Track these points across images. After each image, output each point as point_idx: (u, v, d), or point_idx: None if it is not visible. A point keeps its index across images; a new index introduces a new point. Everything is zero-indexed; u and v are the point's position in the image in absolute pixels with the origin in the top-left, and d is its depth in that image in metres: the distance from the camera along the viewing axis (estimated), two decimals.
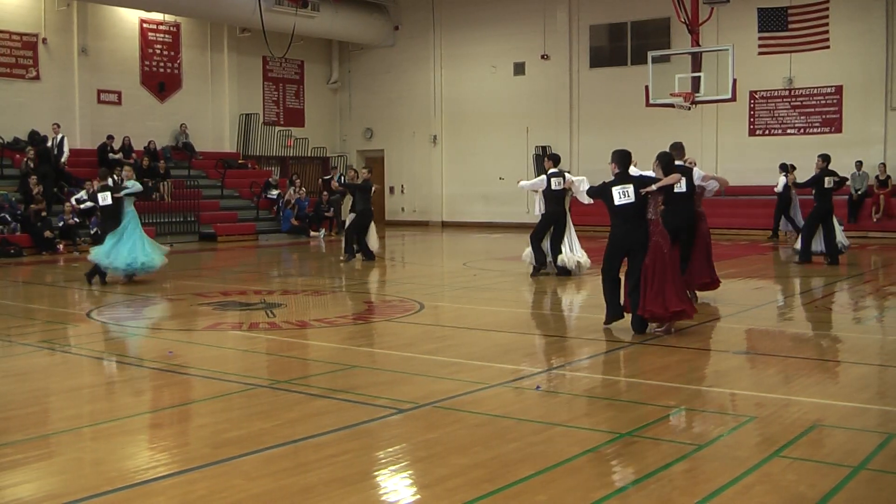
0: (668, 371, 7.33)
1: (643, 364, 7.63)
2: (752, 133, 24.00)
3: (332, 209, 24.92)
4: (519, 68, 27.61)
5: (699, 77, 18.19)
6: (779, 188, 20.04)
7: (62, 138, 21.22)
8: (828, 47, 22.14)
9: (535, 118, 27.00)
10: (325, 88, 30.72)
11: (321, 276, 15.01)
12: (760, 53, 22.79)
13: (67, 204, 19.62)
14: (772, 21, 22.52)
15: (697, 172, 10.96)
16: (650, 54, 19.70)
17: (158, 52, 25.63)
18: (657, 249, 8.52)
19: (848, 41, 22.28)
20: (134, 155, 23.42)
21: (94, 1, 23.30)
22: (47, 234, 18.81)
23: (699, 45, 19.09)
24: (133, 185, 13.39)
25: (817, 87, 23.10)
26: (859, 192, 21.90)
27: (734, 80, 17.78)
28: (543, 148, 26.55)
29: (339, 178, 22.85)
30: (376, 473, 4.81)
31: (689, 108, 19.08)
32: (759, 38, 22.75)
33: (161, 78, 25.67)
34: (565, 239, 13.68)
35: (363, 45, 29.88)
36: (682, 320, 8.71)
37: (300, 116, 29.85)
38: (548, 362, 7.92)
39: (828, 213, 14.80)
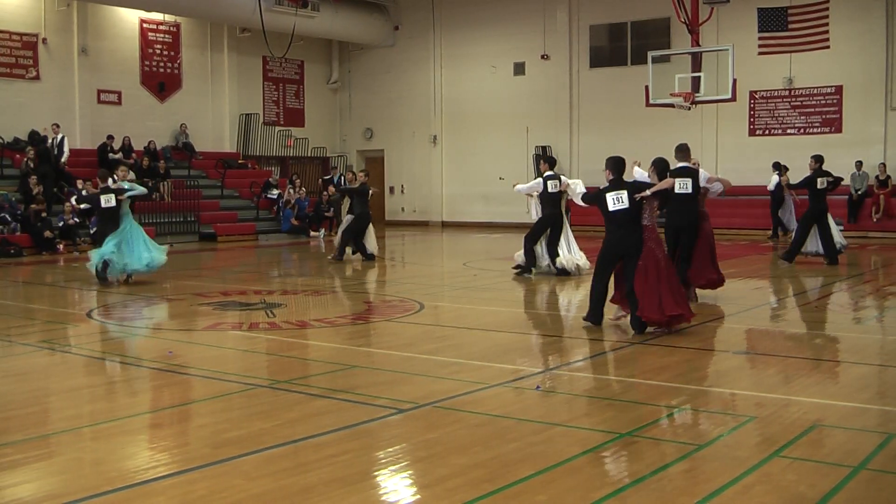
0: (668, 371, 7.34)
1: (643, 364, 7.62)
2: (752, 133, 24.01)
3: (332, 209, 24.92)
4: (519, 68, 27.61)
5: (699, 77, 18.18)
6: (770, 187, 20.05)
7: (62, 138, 21.22)
8: (828, 47, 22.15)
9: (535, 118, 27.01)
10: (325, 88, 30.72)
11: (321, 276, 15.01)
12: (760, 53, 22.79)
13: (67, 204, 19.62)
14: (772, 21, 22.52)
15: (703, 174, 11.10)
16: (650, 54, 19.70)
17: (158, 52, 25.64)
18: (651, 256, 8.62)
19: (848, 41, 22.29)
20: (134, 155, 23.43)
21: (94, 1, 23.30)
22: (47, 234, 18.81)
23: (699, 45, 19.08)
24: (138, 189, 13.63)
25: (817, 87, 23.11)
26: (859, 192, 21.91)
27: (734, 80, 17.78)
28: (543, 148, 26.57)
29: (339, 178, 22.85)
30: (376, 473, 4.81)
31: (689, 108, 19.08)
32: (759, 38, 22.75)
33: (161, 78, 25.67)
34: (563, 241, 13.72)
35: (363, 45, 29.88)
36: (680, 324, 8.75)
37: (300, 116, 29.85)
38: (548, 362, 7.92)
39: (822, 214, 14.82)
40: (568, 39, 26.50)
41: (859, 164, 21.99)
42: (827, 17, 22.09)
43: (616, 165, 8.86)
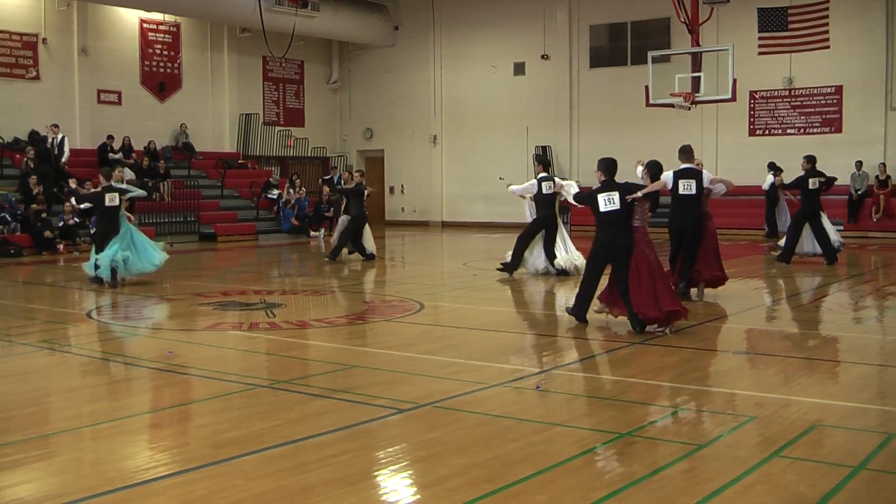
0: (668, 371, 7.34)
1: (643, 364, 7.62)
2: (752, 133, 24.02)
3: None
4: (519, 68, 27.62)
5: (699, 77, 18.19)
6: (765, 187, 20.08)
7: (62, 138, 21.21)
8: (828, 47, 22.15)
9: (535, 118, 27.01)
10: (325, 88, 30.72)
11: (321, 276, 15.00)
12: (760, 53, 22.80)
13: (67, 204, 19.61)
14: (772, 21, 22.53)
15: (706, 175, 11.23)
16: (650, 54, 19.70)
17: (158, 52, 25.64)
18: (642, 257, 8.71)
19: (848, 41, 22.29)
20: (134, 155, 23.44)
21: (94, 1, 23.30)
22: (47, 234, 18.80)
23: (699, 45, 19.09)
24: (136, 190, 13.63)
25: (817, 87, 23.11)
26: (859, 192, 21.91)
27: (734, 80, 17.78)
28: (543, 148, 26.57)
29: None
30: (376, 473, 4.81)
31: (689, 108, 19.10)
32: (759, 38, 22.76)
33: (161, 78, 25.67)
34: (559, 241, 13.75)
35: (363, 45, 29.88)
36: (677, 320, 8.77)
37: (300, 116, 29.85)
38: (548, 362, 7.92)
39: (814, 214, 14.86)
40: (568, 39, 26.51)
41: (859, 164, 21.99)
42: (827, 17, 22.10)
43: (608, 166, 8.95)
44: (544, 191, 13.59)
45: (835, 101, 22.89)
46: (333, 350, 8.39)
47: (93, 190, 13.53)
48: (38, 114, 22.23)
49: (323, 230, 24.14)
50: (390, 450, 5.18)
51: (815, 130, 23.14)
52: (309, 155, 29.31)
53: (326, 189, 19.58)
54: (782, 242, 15.56)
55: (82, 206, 18.77)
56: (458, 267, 16.26)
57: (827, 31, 22.11)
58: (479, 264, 16.11)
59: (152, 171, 22.99)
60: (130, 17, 24.83)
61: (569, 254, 13.68)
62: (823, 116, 23.08)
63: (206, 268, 17.39)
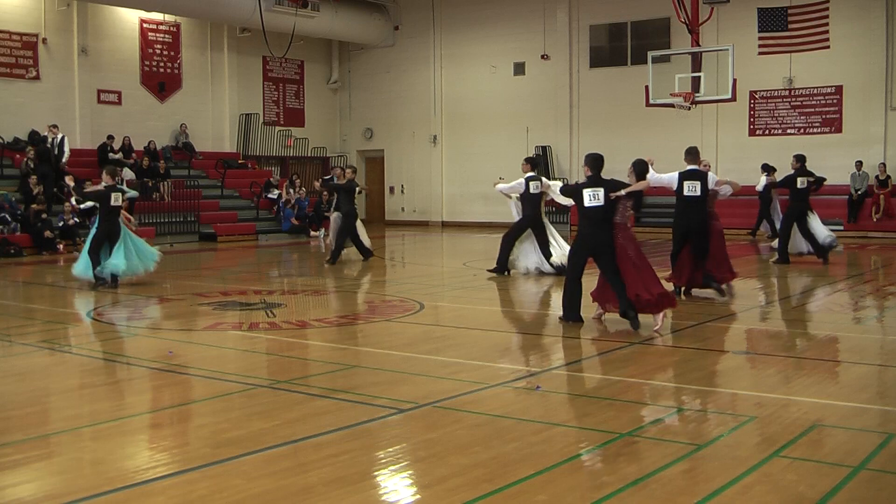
0: (668, 371, 7.34)
1: (643, 364, 7.63)
2: (752, 133, 24.02)
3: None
4: (519, 68, 27.62)
5: (699, 77, 18.21)
6: (759, 188, 20.12)
7: (62, 138, 21.20)
8: (828, 47, 22.17)
9: (535, 118, 27.01)
10: (325, 88, 30.73)
11: (321, 276, 15.00)
12: (760, 53, 22.81)
13: (67, 204, 19.62)
14: (772, 21, 22.54)
15: (711, 177, 11.31)
16: (650, 54, 19.72)
17: (158, 52, 25.64)
18: (622, 251, 8.90)
19: (848, 41, 22.31)
20: (134, 155, 23.45)
21: (94, 1, 23.31)
22: (47, 234, 18.80)
23: (699, 45, 19.11)
24: (130, 191, 13.55)
25: (817, 87, 23.12)
26: (859, 192, 21.93)
27: (734, 80, 17.80)
28: (543, 148, 26.59)
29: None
30: (376, 473, 4.81)
31: (689, 108, 19.11)
32: (759, 38, 22.77)
33: (161, 78, 25.68)
34: (550, 239, 13.78)
35: (363, 45, 29.89)
36: (670, 306, 8.95)
37: (300, 116, 29.86)
38: (548, 362, 7.92)
39: (801, 214, 14.91)
40: (568, 39, 26.51)
41: (859, 164, 22.01)
42: (827, 17, 22.12)
43: (595, 162, 9.10)
44: (531, 190, 13.67)
45: (835, 101, 22.90)
46: (333, 350, 8.39)
47: (95, 188, 13.23)
48: (38, 114, 22.23)
49: (323, 230, 24.13)
50: (390, 450, 5.18)
51: (815, 130, 23.16)
52: (309, 155, 29.32)
53: (317, 183, 19.52)
54: (775, 244, 15.61)
55: (82, 206, 18.77)
56: (458, 267, 16.27)
57: (827, 31, 22.12)
58: (478, 264, 16.10)
59: (152, 171, 22.99)
60: (130, 17, 24.83)
61: (562, 249, 13.73)
62: (823, 116, 23.09)
63: (206, 268, 17.39)
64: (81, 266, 12.86)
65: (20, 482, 4.65)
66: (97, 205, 13.23)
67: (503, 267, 13.86)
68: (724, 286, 11.08)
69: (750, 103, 23.68)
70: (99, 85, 24.17)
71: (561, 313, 9.37)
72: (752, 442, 5.21)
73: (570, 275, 9.27)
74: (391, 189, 30.51)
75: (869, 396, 6.40)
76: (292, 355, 8.22)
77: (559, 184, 14.01)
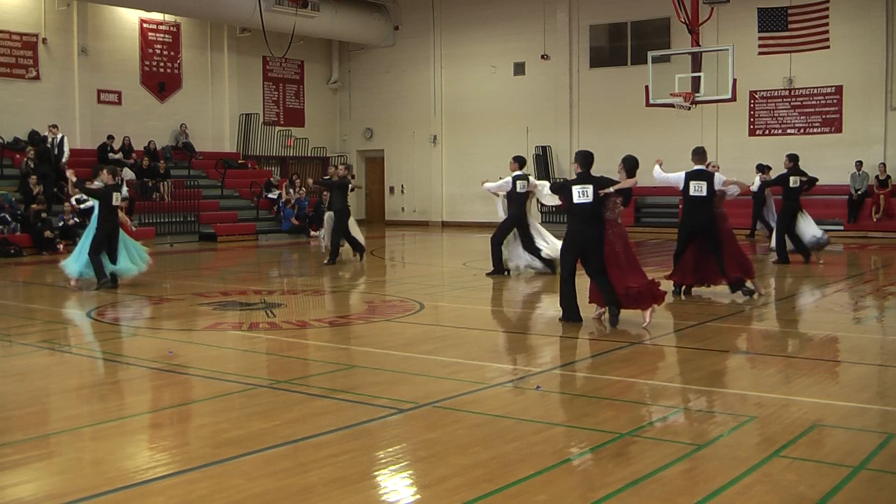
0: (668, 371, 7.34)
1: (643, 364, 7.63)
2: (752, 133, 24.02)
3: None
4: (519, 68, 27.62)
5: (699, 77, 18.22)
6: (754, 188, 20.13)
7: (62, 138, 21.21)
8: (828, 47, 22.17)
9: (535, 118, 27.01)
10: (325, 88, 30.73)
11: (321, 276, 15.00)
12: (760, 53, 22.81)
13: (67, 204, 19.62)
14: (772, 21, 22.54)
15: (718, 177, 11.33)
16: (650, 54, 19.73)
17: (158, 52, 25.64)
18: (610, 247, 9.02)
19: (848, 41, 22.31)
20: (134, 155, 23.45)
21: (94, 1, 23.30)
22: (47, 234, 18.80)
23: (699, 45, 19.11)
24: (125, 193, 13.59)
25: (817, 87, 23.12)
26: (859, 192, 21.93)
27: (734, 80, 17.81)
28: (543, 148, 26.59)
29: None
30: (376, 473, 4.81)
31: (689, 108, 19.12)
32: (759, 38, 22.77)
33: (161, 78, 25.68)
34: (535, 235, 13.77)
35: (363, 45, 29.89)
36: (658, 299, 9.04)
37: (300, 116, 29.86)
38: (547, 362, 7.92)
39: (793, 213, 14.96)
40: (568, 39, 26.51)
41: (859, 164, 22.01)
42: (827, 17, 22.12)
43: (584, 159, 9.18)
44: (518, 189, 13.70)
45: (835, 101, 22.89)
46: (333, 350, 8.39)
47: (97, 185, 13.05)
48: (38, 114, 22.23)
49: (323, 230, 24.11)
50: (390, 450, 5.18)
51: (815, 130, 23.15)
52: (309, 155, 29.31)
53: (310, 181, 19.50)
54: (773, 244, 15.64)
55: (82, 206, 18.74)
56: (458, 267, 16.27)
57: (827, 31, 22.12)
58: (478, 264, 16.10)
59: (152, 171, 22.99)
60: (130, 17, 24.83)
61: (550, 243, 13.74)
62: (823, 116, 23.09)
63: (206, 268, 17.39)
64: (77, 265, 12.64)
65: (20, 482, 4.65)
66: (94, 204, 13.10)
67: (500, 268, 13.85)
68: (748, 284, 11.11)
69: (750, 103, 23.68)
70: (99, 85, 24.17)
71: (560, 314, 9.37)
72: (752, 442, 5.21)
73: (563, 274, 9.31)
74: (391, 189, 30.50)
75: (869, 396, 6.40)
76: (292, 355, 8.22)
77: (546, 183, 14.02)
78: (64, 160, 21.10)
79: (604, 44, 26.16)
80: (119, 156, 22.77)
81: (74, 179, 12.54)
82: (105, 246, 12.56)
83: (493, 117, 27.78)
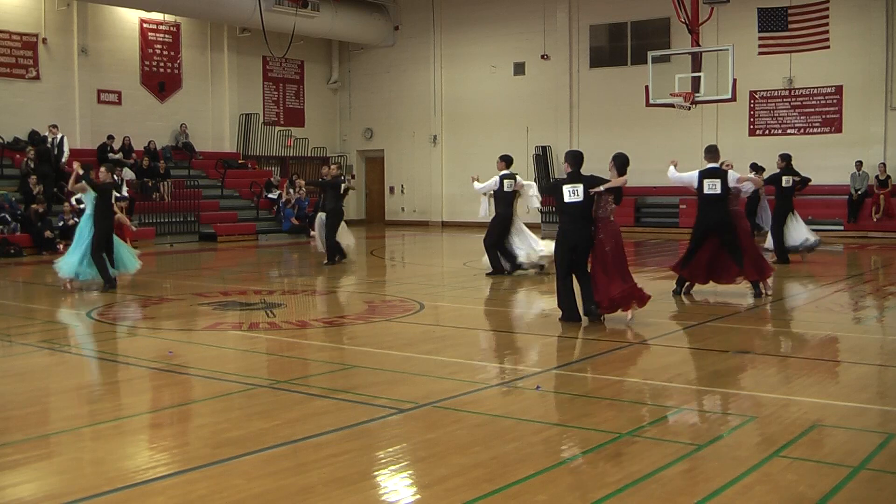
0: (668, 371, 7.34)
1: (643, 364, 7.63)
2: (752, 133, 24.02)
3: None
4: (519, 68, 27.62)
5: (699, 77, 18.21)
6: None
7: (62, 138, 21.21)
8: (828, 47, 22.17)
9: (535, 118, 27.01)
10: (325, 88, 30.73)
11: (321, 276, 15.00)
12: (760, 53, 22.81)
13: (67, 204, 19.61)
14: (772, 21, 22.54)
15: (732, 175, 11.38)
16: (650, 54, 19.71)
17: (158, 52, 25.64)
18: (600, 246, 9.06)
19: (848, 41, 22.30)
20: (134, 155, 23.45)
21: (94, 1, 23.30)
22: (47, 234, 18.80)
23: (699, 45, 19.10)
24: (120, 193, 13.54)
25: (817, 87, 23.11)
26: (859, 192, 21.92)
27: (734, 80, 17.79)
28: (543, 148, 26.58)
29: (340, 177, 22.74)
30: (376, 473, 4.81)
31: (689, 108, 19.10)
32: (759, 38, 22.77)
33: (161, 78, 25.68)
34: (516, 239, 13.77)
35: (363, 45, 29.89)
36: (639, 305, 9.09)
37: (300, 116, 29.86)
38: (547, 362, 7.92)
39: (786, 213, 15.04)
40: (568, 39, 26.51)
41: (859, 164, 22.00)
42: (827, 17, 22.12)
43: (575, 159, 9.22)
44: (505, 188, 13.75)
45: (835, 101, 22.89)
46: (333, 350, 8.39)
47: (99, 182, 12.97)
48: (38, 114, 22.23)
49: (315, 232, 24.03)
50: (390, 450, 5.18)
51: (815, 130, 23.15)
52: (309, 155, 29.31)
53: (302, 181, 19.44)
54: (768, 244, 15.66)
55: (82, 206, 18.65)
56: (458, 267, 16.26)
57: (827, 31, 22.12)
58: (478, 264, 16.10)
59: (152, 171, 22.99)
60: (130, 17, 24.83)
61: (530, 249, 13.73)
62: (823, 116, 23.09)
63: (206, 268, 17.39)
64: (70, 267, 12.48)
65: (20, 482, 4.65)
66: (87, 201, 12.97)
67: (499, 268, 13.84)
68: (760, 285, 11.14)
69: (750, 103, 23.68)
70: (99, 85, 24.17)
71: (560, 314, 9.37)
72: (752, 442, 5.21)
73: (558, 273, 9.34)
74: (391, 189, 30.50)
75: (869, 396, 6.40)
76: (292, 355, 8.22)
77: (533, 184, 14.17)
78: (64, 160, 21.11)
79: (604, 44, 26.16)
80: (119, 156, 22.76)
81: (81, 172, 12.45)
82: (104, 245, 12.53)
83: (493, 117, 27.77)
